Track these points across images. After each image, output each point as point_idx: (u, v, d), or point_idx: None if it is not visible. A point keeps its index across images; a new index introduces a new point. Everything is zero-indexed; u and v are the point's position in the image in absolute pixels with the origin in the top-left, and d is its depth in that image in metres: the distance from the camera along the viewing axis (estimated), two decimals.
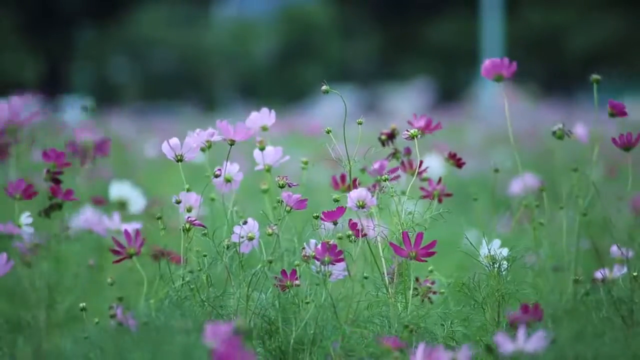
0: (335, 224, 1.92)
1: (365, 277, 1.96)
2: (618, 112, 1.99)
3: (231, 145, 1.99)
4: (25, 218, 2.01)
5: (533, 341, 1.64)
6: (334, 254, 1.86)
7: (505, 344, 1.65)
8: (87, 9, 24.63)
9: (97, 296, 2.58)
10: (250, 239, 1.93)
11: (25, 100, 2.06)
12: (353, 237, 1.91)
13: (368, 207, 1.93)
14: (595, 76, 1.99)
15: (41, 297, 1.95)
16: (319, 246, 1.88)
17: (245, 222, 1.93)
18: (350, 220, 1.93)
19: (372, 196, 1.93)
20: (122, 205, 2.73)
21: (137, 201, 2.73)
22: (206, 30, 24.17)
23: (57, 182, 2.01)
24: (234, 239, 1.92)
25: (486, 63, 2.07)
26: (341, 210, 1.92)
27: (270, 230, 1.92)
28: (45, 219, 2.00)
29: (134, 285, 2.41)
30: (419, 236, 1.87)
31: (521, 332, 1.65)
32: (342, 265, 1.92)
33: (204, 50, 23.61)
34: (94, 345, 1.72)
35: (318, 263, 1.88)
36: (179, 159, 1.98)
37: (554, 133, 2.05)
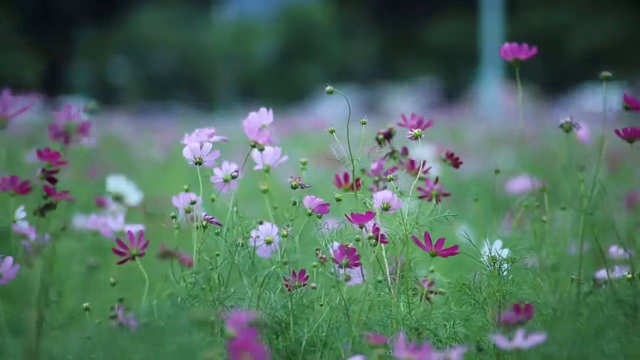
0: (361, 227, 1.92)
1: (379, 281, 1.96)
2: (633, 106, 1.99)
3: (253, 147, 2.00)
4: (20, 212, 2.01)
5: (530, 340, 1.65)
6: (352, 257, 1.86)
7: (502, 343, 1.66)
8: (87, 9, 24.63)
9: (98, 296, 2.57)
10: (269, 242, 1.93)
11: (25, 98, 2.05)
12: (373, 240, 1.90)
13: (393, 210, 1.93)
14: (605, 73, 1.99)
15: (41, 297, 1.95)
16: (337, 249, 1.87)
17: (261, 222, 1.94)
18: (374, 224, 1.92)
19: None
20: (118, 199, 2.75)
21: (132, 195, 2.75)
22: (206, 30, 24.17)
23: (52, 181, 2.00)
24: (252, 242, 1.92)
25: (504, 46, 2.08)
26: (370, 214, 1.91)
27: (285, 232, 1.93)
28: (42, 218, 2.00)
29: (137, 286, 2.41)
30: (441, 238, 1.89)
31: (520, 333, 1.66)
32: (357, 269, 1.91)
33: (204, 50, 23.62)
34: (95, 346, 1.72)
35: (335, 266, 1.88)
36: (199, 162, 1.99)
37: (561, 126, 2.06)
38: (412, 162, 2.13)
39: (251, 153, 2.05)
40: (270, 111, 2.09)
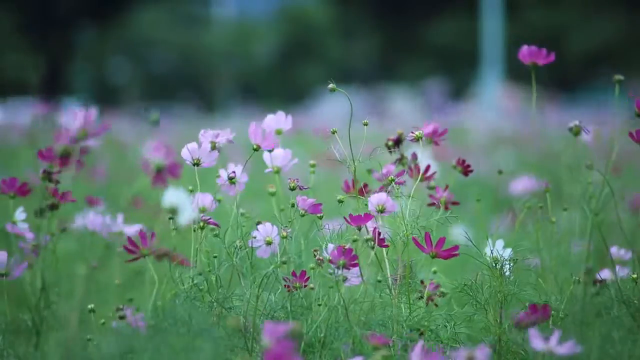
0: (359, 229, 1.91)
1: (379, 281, 1.95)
2: None
3: (255, 150, 1.99)
4: (19, 214, 2.00)
5: (566, 347, 1.62)
6: (349, 258, 1.85)
7: (536, 342, 1.63)
8: (87, 10, 24.62)
9: (98, 298, 2.57)
10: (268, 243, 1.92)
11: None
12: (372, 242, 1.90)
13: (388, 212, 1.92)
14: (617, 76, 2.01)
15: (42, 297, 1.94)
16: (335, 250, 1.86)
17: (259, 223, 1.93)
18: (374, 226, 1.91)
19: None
20: (172, 214, 2.71)
21: (186, 212, 2.71)
22: (206, 30, 24.17)
23: (54, 182, 1.99)
24: (253, 243, 1.91)
25: (523, 48, 2.09)
26: (369, 215, 1.90)
27: (284, 233, 1.92)
28: (43, 220, 1.99)
29: (138, 287, 2.40)
30: (441, 239, 1.88)
31: (555, 336, 1.63)
32: (355, 270, 1.90)
33: (204, 50, 23.61)
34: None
35: (332, 266, 1.86)
36: (196, 164, 1.97)
37: (570, 129, 2.06)
38: (417, 167, 2.12)
39: (258, 155, 2.04)
40: (289, 116, 2.06)
